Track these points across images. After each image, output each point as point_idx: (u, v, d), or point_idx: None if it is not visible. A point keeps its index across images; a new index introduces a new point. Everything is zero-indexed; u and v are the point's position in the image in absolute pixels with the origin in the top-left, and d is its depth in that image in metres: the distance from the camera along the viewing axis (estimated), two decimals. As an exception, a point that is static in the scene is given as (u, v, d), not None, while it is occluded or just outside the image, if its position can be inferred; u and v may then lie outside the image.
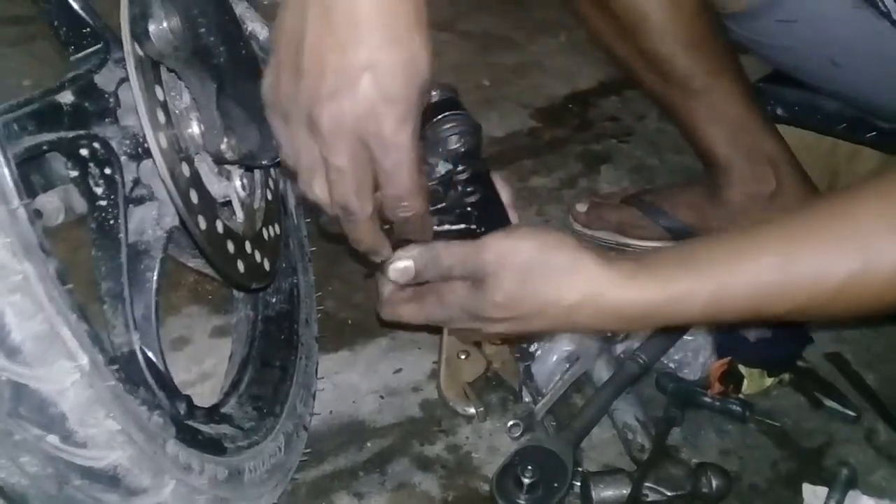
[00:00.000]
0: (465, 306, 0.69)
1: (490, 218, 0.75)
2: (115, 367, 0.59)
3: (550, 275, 0.67)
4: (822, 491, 0.87)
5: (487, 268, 0.67)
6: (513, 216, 0.77)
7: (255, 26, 0.77)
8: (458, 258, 0.68)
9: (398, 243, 0.70)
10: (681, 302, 0.66)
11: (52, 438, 0.54)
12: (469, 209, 0.75)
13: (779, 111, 1.23)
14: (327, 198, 0.63)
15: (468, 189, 0.75)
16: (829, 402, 1.02)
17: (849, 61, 1.02)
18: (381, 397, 1.01)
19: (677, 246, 0.73)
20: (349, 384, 1.02)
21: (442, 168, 0.74)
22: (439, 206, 0.74)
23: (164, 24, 0.63)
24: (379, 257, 0.71)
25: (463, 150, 0.75)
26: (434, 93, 0.76)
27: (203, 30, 0.67)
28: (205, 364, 1.03)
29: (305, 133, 0.61)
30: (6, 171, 0.52)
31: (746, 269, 0.66)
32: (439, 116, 0.75)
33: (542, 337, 1.01)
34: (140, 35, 0.64)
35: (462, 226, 0.73)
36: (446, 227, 0.72)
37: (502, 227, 0.74)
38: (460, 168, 0.75)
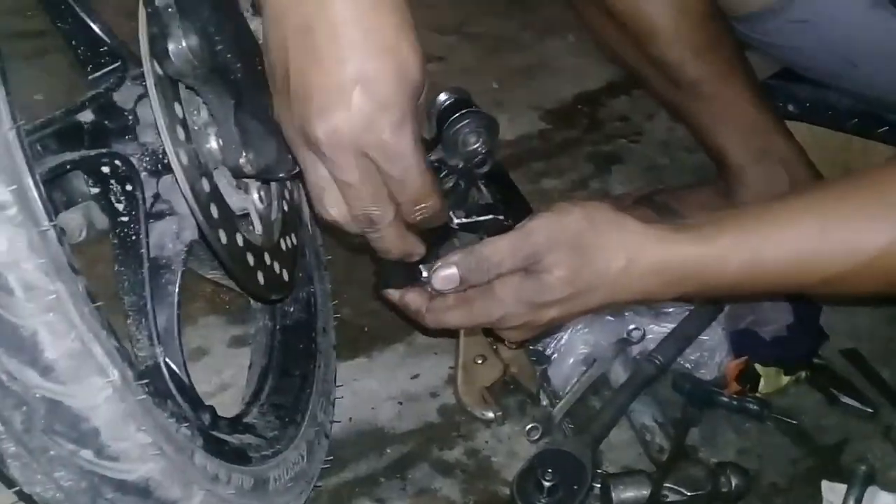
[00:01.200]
0: (522, 296, 0.68)
1: (514, 206, 0.75)
2: (145, 381, 0.60)
3: (600, 240, 0.67)
4: (841, 488, 0.87)
5: (541, 249, 0.66)
6: None
7: None
8: (508, 251, 0.67)
9: (422, 234, 0.70)
10: (716, 263, 0.67)
11: (86, 453, 0.55)
12: (493, 201, 0.75)
13: (790, 108, 1.23)
14: (346, 215, 0.63)
15: (490, 182, 0.75)
16: (846, 399, 1.03)
17: (864, 60, 1.02)
18: (400, 403, 1.02)
19: (718, 212, 0.74)
20: (368, 391, 1.03)
21: (462, 165, 0.74)
22: (463, 200, 0.73)
23: (183, 44, 0.64)
24: (414, 258, 0.69)
25: (481, 146, 0.75)
26: (444, 95, 0.76)
27: (220, 47, 0.67)
28: (224, 375, 1.04)
29: (309, 154, 0.61)
30: (35, 193, 0.54)
31: (782, 236, 0.67)
32: (454, 116, 0.75)
33: (572, 324, 1.01)
34: (159, 54, 0.65)
35: (490, 216, 0.72)
36: (474, 218, 0.71)
37: (525, 213, 0.74)
38: (479, 161, 0.75)
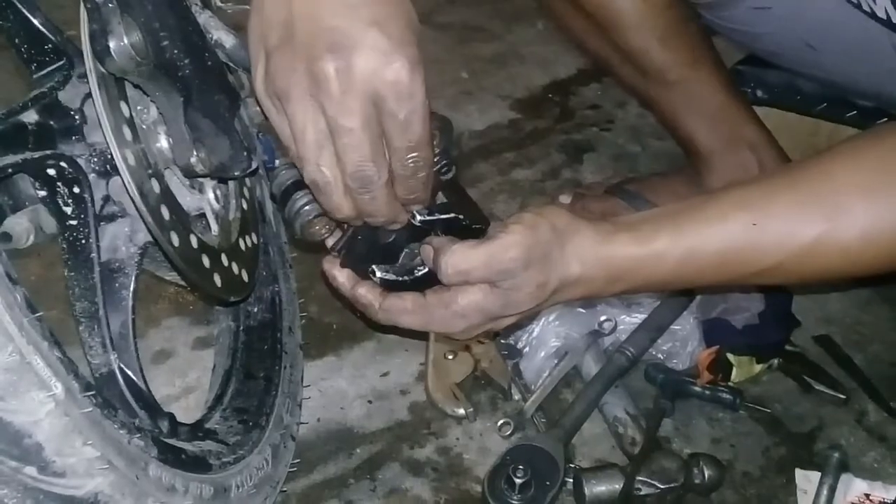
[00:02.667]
0: (486, 310, 0.68)
1: (469, 208, 0.74)
2: (91, 392, 0.58)
3: (563, 251, 0.68)
4: (815, 476, 0.87)
5: (516, 267, 0.66)
6: None
7: (221, 34, 0.75)
8: (482, 262, 0.66)
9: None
10: (654, 261, 0.69)
11: (30, 469, 0.53)
12: (452, 201, 0.74)
13: (759, 93, 1.23)
14: (337, 174, 0.62)
15: (445, 187, 0.74)
16: (818, 386, 1.02)
17: (825, 45, 1.01)
18: (369, 402, 1.00)
19: (659, 209, 0.75)
20: (336, 390, 1.02)
21: None
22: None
23: (125, 41, 0.62)
24: (397, 225, 0.69)
25: (436, 145, 0.74)
26: None
27: (166, 43, 0.65)
28: (188, 377, 1.02)
29: (310, 104, 0.59)
30: (-33, 199, 0.51)
31: (716, 230, 0.69)
32: None
33: (531, 323, 1.01)
34: (101, 52, 0.62)
35: (451, 215, 0.71)
36: (436, 215, 0.70)
37: (479, 216, 0.74)
38: (443, 163, 0.73)
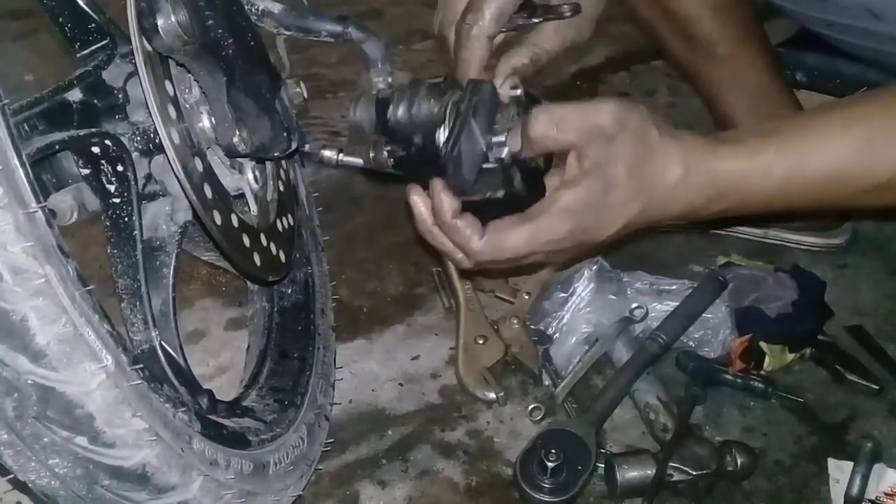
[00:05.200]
0: (590, 199, 0.66)
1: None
2: (139, 366, 0.59)
3: (662, 145, 0.66)
4: (847, 465, 0.87)
5: (609, 123, 0.64)
6: None
7: (267, 3, 0.76)
8: (577, 115, 0.65)
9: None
10: (760, 175, 0.67)
11: (81, 440, 0.54)
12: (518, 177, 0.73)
13: (798, 76, 1.22)
14: None
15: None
16: (851, 376, 1.01)
17: (888, 11, 0.99)
18: (400, 385, 1.01)
19: (762, 124, 0.74)
20: (368, 372, 1.02)
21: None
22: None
23: (172, 18, 0.62)
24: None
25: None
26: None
27: (211, 22, 0.66)
28: (221, 357, 1.03)
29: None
30: (21, 173, 0.52)
31: (826, 146, 0.67)
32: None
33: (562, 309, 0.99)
34: (148, 30, 0.63)
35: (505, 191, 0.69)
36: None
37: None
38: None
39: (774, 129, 0.69)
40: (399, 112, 0.71)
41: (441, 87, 0.73)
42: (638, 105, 0.68)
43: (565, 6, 0.79)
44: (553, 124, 0.65)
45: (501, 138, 0.68)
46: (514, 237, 0.67)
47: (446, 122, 0.69)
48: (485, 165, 0.68)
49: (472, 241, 0.67)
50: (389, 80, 0.74)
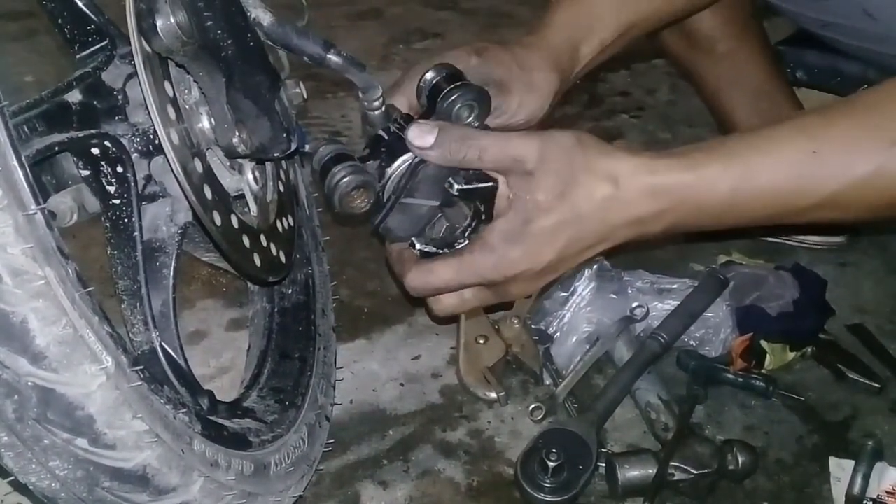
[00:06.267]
0: (512, 232, 0.66)
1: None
2: (140, 367, 0.58)
3: (588, 164, 0.65)
4: (849, 464, 0.87)
5: (528, 153, 0.65)
6: None
7: (259, 12, 0.75)
8: (495, 143, 0.65)
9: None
10: (707, 186, 0.66)
11: (81, 442, 0.54)
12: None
13: (798, 74, 1.22)
14: None
15: None
16: (852, 375, 1.02)
17: (884, 12, 0.99)
18: (401, 385, 1.01)
19: (710, 140, 0.72)
20: (368, 373, 1.02)
21: None
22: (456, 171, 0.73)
23: (172, 19, 0.62)
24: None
25: (474, 119, 0.74)
26: (433, 72, 0.75)
27: (210, 23, 0.65)
28: (222, 358, 1.03)
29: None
30: (21, 175, 0.52)
31: (774, 158, 0.66)
32: (446, 91, 0.74)
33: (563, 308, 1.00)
34: (147, 31, 0.63)
35: (489, 183, 0.70)
36: (474, 184, 0.69)
37: None
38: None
39: (721, 143, 0.68)
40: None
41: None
42: (567, 133, 0.67)
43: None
44: (477, 151, 0.66)
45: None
46: (440, 270, 0.69)
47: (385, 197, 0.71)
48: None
49: (403, 274, 0.71)
50: (376, 104, 0.73)
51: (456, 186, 0.69)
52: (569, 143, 0.66)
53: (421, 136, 0.68)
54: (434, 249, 0.70)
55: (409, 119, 0.73)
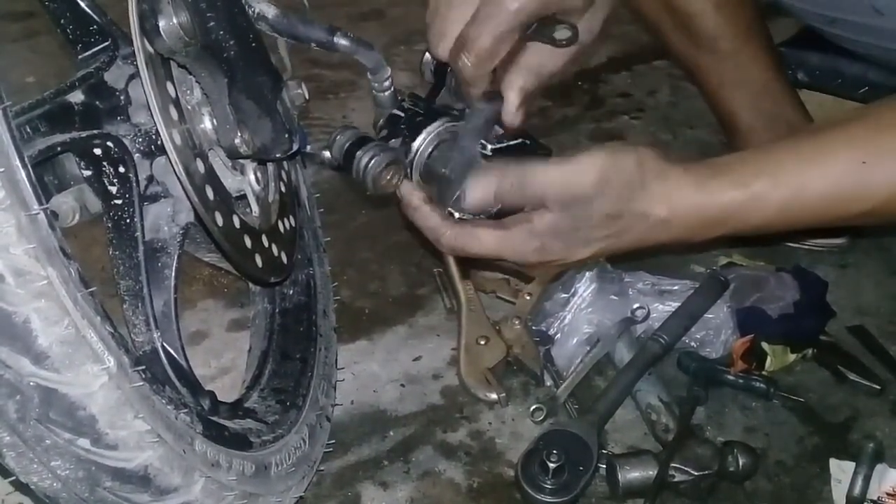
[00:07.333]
0: (560, 233, 0.68)
1: (531, 134, 0.75)
2: (141, 367, 0.59)
3: (645, 189, 0.67)
4: (849, 465, 0.86)
5: (591, 192, 0.66)
6: None
7: (262, 6, 0.76)
8: (558, 183, 0.66)
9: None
10: (757, 203, 0.67)
11: (83, 442, 0.54)
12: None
13: (800, 76, 1.22)
14: None
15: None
16: (853, 376, 1.01)
17: (891, 7, 0.99)
18: (402, 386, 1.01)
19: (754, 149, 0.73)
20: (369, 373, 1.02)
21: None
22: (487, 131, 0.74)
23: (174, 20, 0.62)
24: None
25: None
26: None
27: (212, 24, 0.66)
28: (223, 358, 1.03)
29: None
30: (24, 175, 0.52)
31: (824, 170, 0.67)
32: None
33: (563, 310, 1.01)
34: (150, 31, 0.63)
35: (520, 140, 0.72)
36: (505, 142, 0.72)
37: (542, 145, 0.75)
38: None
39: (767, 155, 0.69)
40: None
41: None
42: (629, 156, 0.67)
43: (561, 32, 0.75)
44: (538, 197, 0.67)
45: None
46: (485, 238, 0.70)
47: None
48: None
49: (440, 232, 0.71)
50: (386, 83, 0.73)
51: (489, 147, 0.69)
52: (630, 166, 0.67)
53: (481, 194, 0.69)
54: (471, 217, 0.71)
55: (416, 98, 0.73)
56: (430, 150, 0.71)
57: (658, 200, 0.67)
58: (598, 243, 0.69)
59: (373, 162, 0.69)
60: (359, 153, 0.70)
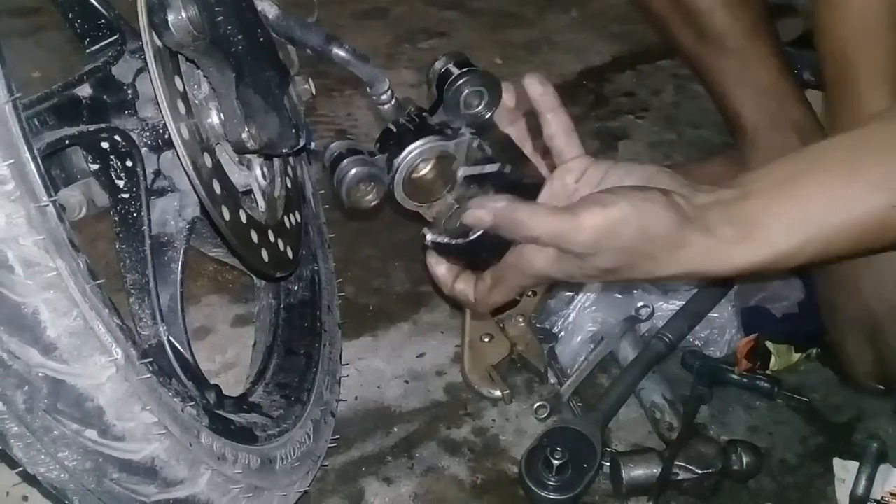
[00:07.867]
0: (556, 267, 0.64)
1: (521, 163, 0.72)
2: (149, 359, 0.59)
3: (652, 253, 0.62)
4: (853, 465, 0.87)
5: (587, 251, 0.62)
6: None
7: (264, 6, 0.75)
8: (552, 230, 0.62)
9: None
10: (788, 258, 0.64)
11: (91, 433, 0.55)
12: (492, 150, 0.72)
13: (805, 76, 1.22)
14: None
15: (493, 144, 0.73)
16: (856, 376, 1.01)
17: None
18: (406, 382, 1.01)
19: (774, 190, 0.65)
20: (373, 370, 1.02)
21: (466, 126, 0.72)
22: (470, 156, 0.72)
23: (183, 14, 0.62)
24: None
25: (483, 108, 0.72)
26: (443, 59, 0.73)
27: (221, 18, 0.66)
28: (228, 353, 1.03)
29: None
30: (33, 167, 0.52)
31: (853, 212, 0.63)
32: (454, 76, 0.72)
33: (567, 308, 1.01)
34: (158, 25, 0.63)
35: (495, 166, 0.69)
36: (479, 169, 0.69)
37: (533, 172, 0.72)
38: (485, 123, 0.73)
39: (795, 200, 0.63)
40: None
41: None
42: (635, 212, 0.61)
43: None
44: (520, 235, 0.64)
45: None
46: (494, 296, 0.68)
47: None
48: None
49: (468, 295, 0.70)
50: (385, 97, 0.72)
51: (462, 171, 0.68)
52: (632, 234, 0.61)
53: (476, 220, 0.65)
54: (447, 240, 0.69)
55: (421, 111, 0.72)
56: (412, 166, 0.69)
57: (666, 266, 0.63)
58: (603, 276, 0.66)
59: (350, 174, 0.68)
60: (343, 162, 0.69)
